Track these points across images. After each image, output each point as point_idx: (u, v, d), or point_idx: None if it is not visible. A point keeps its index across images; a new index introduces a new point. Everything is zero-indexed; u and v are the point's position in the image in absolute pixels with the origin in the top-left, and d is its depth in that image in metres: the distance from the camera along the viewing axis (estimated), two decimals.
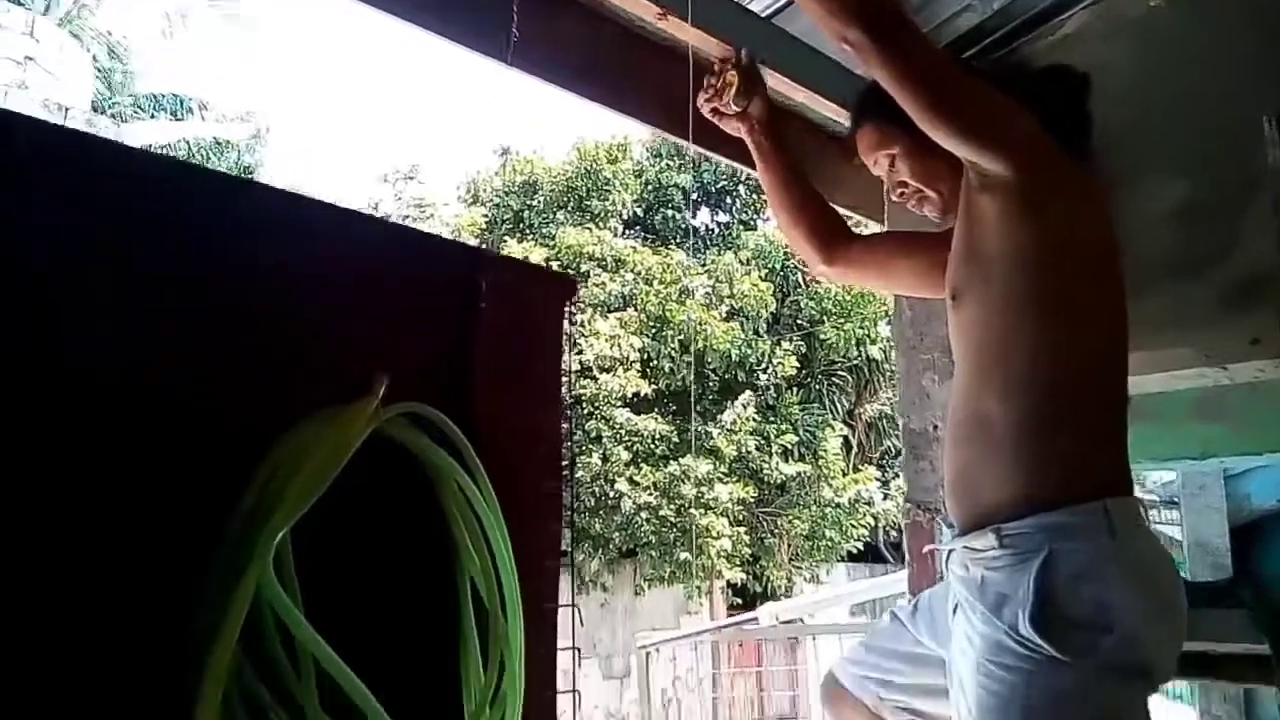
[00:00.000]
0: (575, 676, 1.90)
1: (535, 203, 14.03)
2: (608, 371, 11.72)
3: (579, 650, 1.85)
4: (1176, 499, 3.69)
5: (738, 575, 12.64)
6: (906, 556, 2.33)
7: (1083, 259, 1.54)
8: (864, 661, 1.85)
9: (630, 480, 11.53)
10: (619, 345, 11.80)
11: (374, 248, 1.40)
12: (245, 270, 1.22)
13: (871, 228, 2.54)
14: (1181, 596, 1.47)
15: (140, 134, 12.86)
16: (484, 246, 8.53)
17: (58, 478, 1.02)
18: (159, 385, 1.12)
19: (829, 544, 12.84)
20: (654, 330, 12.28)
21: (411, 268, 1.43)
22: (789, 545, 13.12)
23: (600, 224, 13.24)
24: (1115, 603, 1.36)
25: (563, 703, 1.60)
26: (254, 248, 1.24)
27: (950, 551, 1.57)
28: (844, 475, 12.97)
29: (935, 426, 2.29)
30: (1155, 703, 1.43)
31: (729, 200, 15.42)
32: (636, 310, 12.28)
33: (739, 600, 12.88)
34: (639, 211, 14.34)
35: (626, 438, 11.70)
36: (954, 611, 1.59)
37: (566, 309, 1.61)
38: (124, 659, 1.06)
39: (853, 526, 12.87)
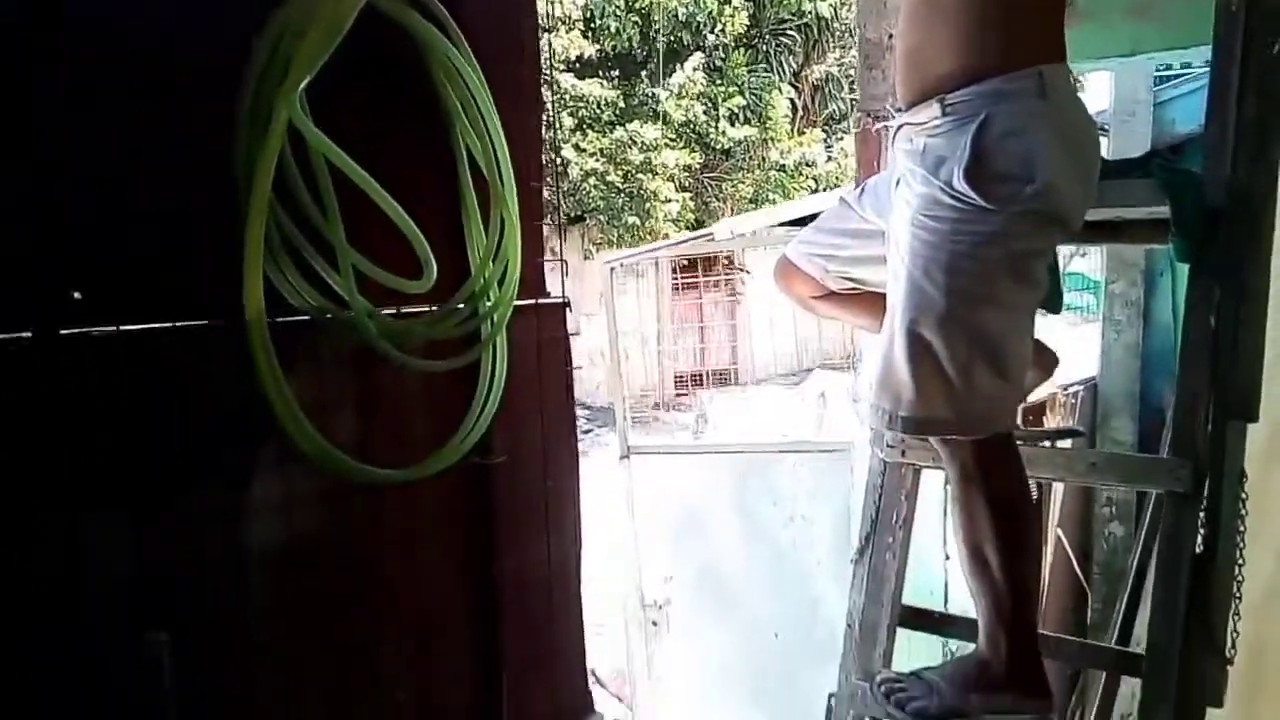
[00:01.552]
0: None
1: None
2: (548, 32, 11.25)
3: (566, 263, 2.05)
4: (1107, 125, 3.92)
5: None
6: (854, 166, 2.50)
7: None
8: (813, 241, 2.07)
9: (576, 147, 11.47)
10: (559, 3, 11.24)
11: None
12: None
13: None
14: (1097, 156, 1.67)
15: None
16: None
17: None
18: None
19: (772, 206, 13.16)
20: None
21: None
22: (733, 209, 13.42)
23: None
24: (1039, 156, 1.55)
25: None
26: None
27: (898, 129, 1.73)
28: (789, 138, 13.02)
29: (889, 36, 2.37)
30: (1065, 324, 1.66)
31: None
32: None
33: (685, 262, 13.32)
34: None
35: (571, 103, 11.50)
36: (896, 185, 1.78)
37: None
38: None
39: (796, 190, 13.14)
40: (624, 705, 3.78)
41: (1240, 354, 1.74)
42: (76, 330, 1.16)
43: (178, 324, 1.25)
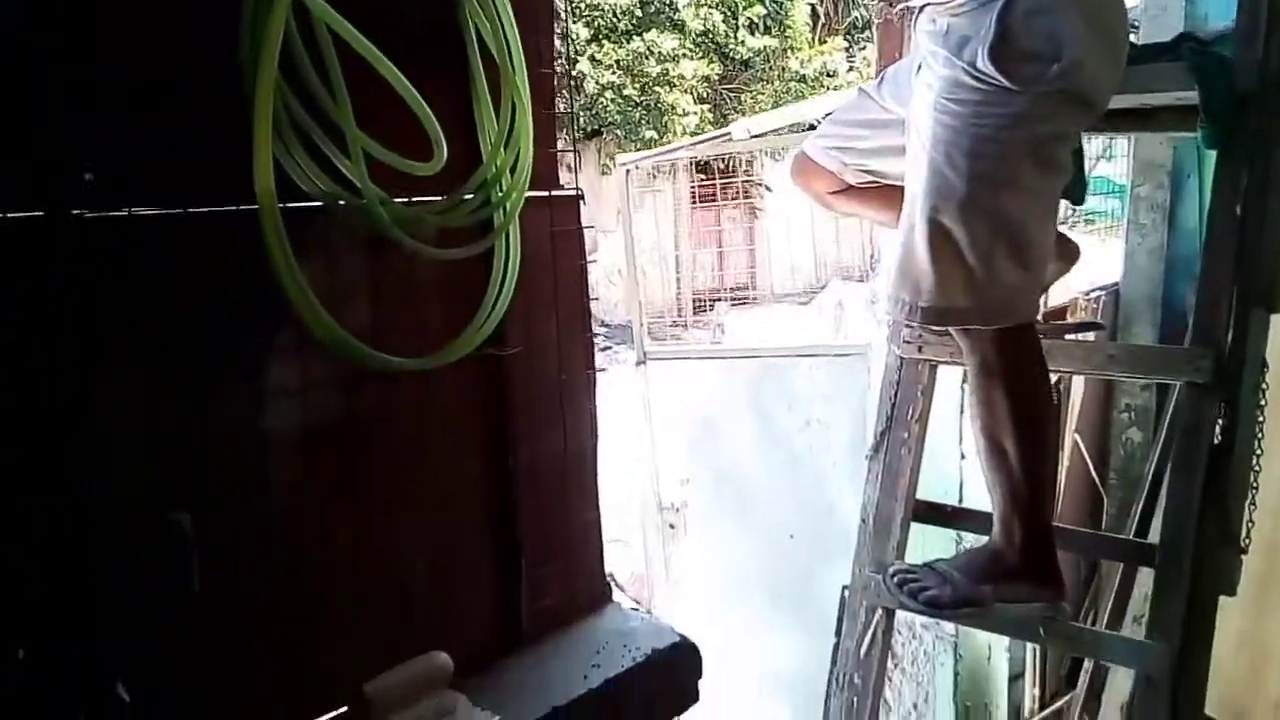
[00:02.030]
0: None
1: None
2: None
3: (579, 153, 2.02)
4: (1137, 22, 3.79)
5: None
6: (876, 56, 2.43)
7: None
8: (830, 134, 2.03)
9: (592, 59, 11.26)
10: None
11: None
12: None
13: None
14: (1125, 35, 1.62)
15: None
16: None
17: None
18: None
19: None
20: None
21: None
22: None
23: None
24: (1065, 34, 1.50)
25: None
26: None
27: (920, 10, 1.68)
28: (810, 48, 12.72)
29: None
30: (1085, 234, 1.61)
31: None
32: None
33: (703, 179, 13.18)
34: None
35: (587, 12, 11.24)
36: (917, 70, 1.73)
37: None
38: None
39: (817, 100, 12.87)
40: (642, 608, 3.86)
41: (1265, 242, 1.71)
42: (88, 212, 1.15)
43: (189, 210, 1.24)
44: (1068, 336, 1.91)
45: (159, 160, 1.21)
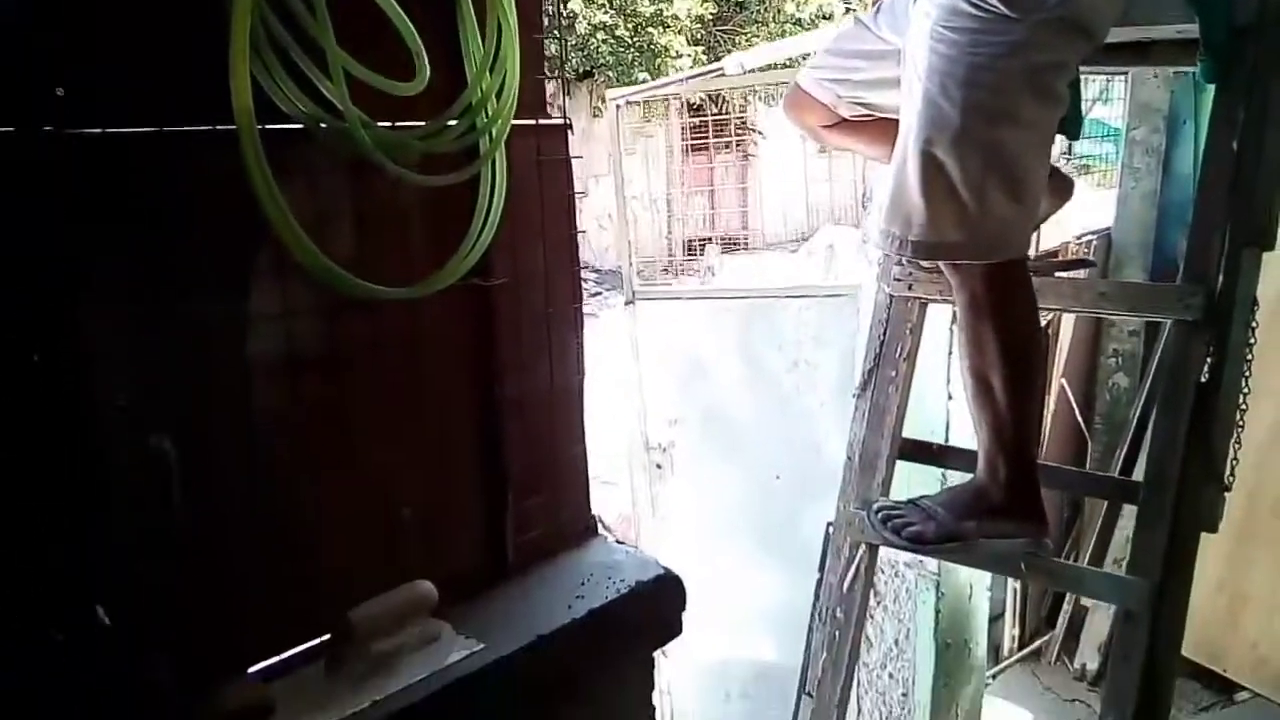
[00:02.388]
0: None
1: None
2: None
3: (568, 80, 1.97)
4: None
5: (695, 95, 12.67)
6: None
7: None
8: (824, 65, 1.99)
9: None
10: None
11: None
12: None
13: None
14: None
15: None
16: None
17: None
18: None
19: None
20: None
21: None
22: None
23: None
24: None
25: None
26: None
27: None
28: None
29: None
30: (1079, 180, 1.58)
31: None
32: None
33: (695, 120, 13.03)
34: None
35: None
36: (915, 0, 1.70)
37: None
38: None
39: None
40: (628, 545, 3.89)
41: (1261, 178, 1.69)
42: (60, 129, 1.12)
43: (165, 128, 1.21)
44: (1059, 274, 1.89)
45: (134, 77, 1.17)
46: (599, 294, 11.82)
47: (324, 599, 1.45)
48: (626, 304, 3.28)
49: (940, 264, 1.77)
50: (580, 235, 1.81)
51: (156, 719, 1.19)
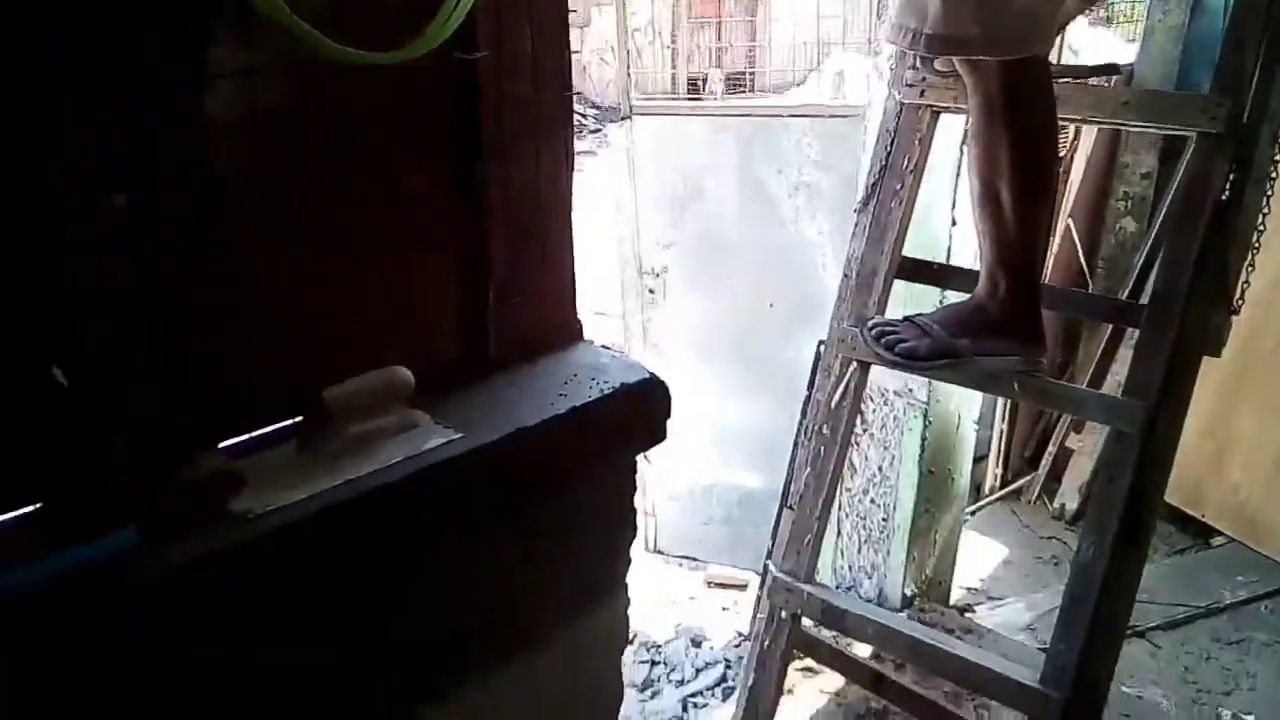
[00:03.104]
0: None
1: None
2: None
3: None
4: None
5: None
6: None
7: None
8: None
9: None
10: None
11: None
12: None
13: None
14: None
15: None
16: None
17: None
18: None
19: None
20: None
21: None
22: None
23: None
24: None
25: None
26: None
27: None
28: None
29: None
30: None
31: None
32: None
33: None
34: None
35: None
36: None
37: None
38: None
39: None
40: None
41: None
42: None
43: None
44: (1080, 80, 1.78)
45: None
46: (599, 130, 11.49)
47: (296, 380, 1.40)
48: (622, 119, 3.13)
49: (955, 62, 1.66)
50: (580, 65, 1.68)
51: (116, 483, 1.16)
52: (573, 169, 1.73)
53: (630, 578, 1.99)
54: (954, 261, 2.51)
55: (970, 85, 1.63)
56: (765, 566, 2.39)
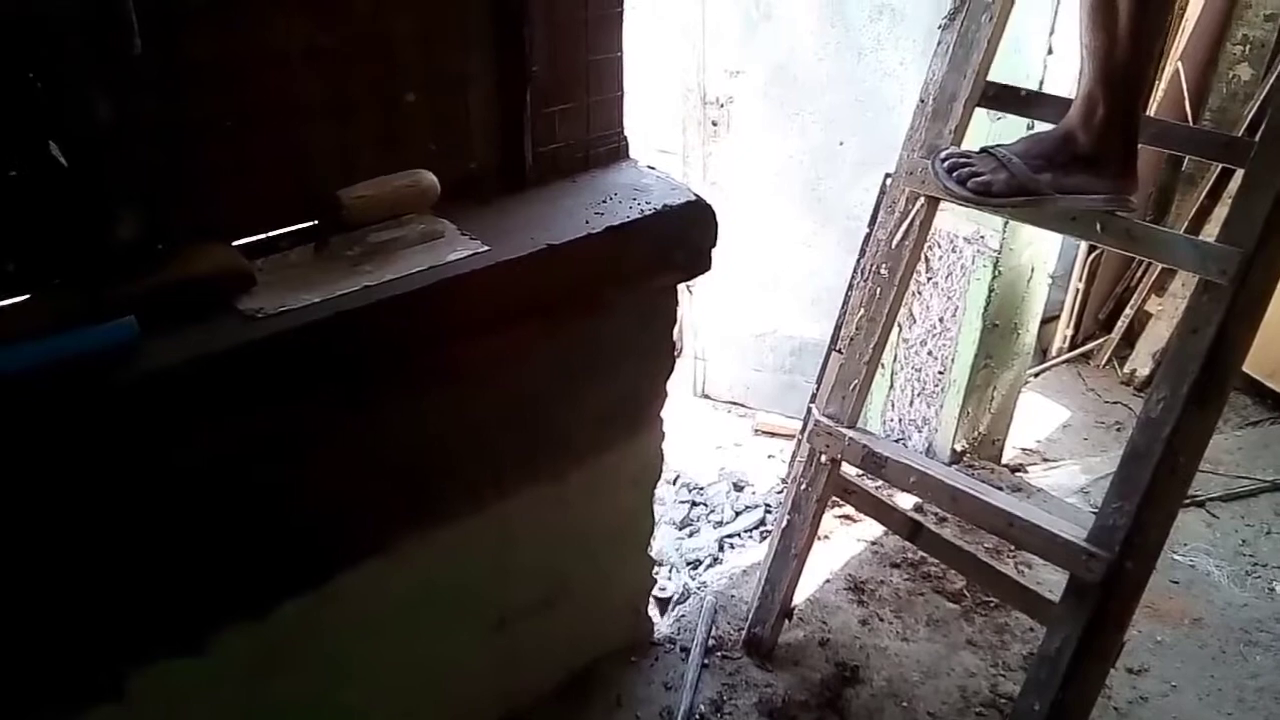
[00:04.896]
0: None
1: None
2: None
3: None
4: None
5: None
6: None
7: None
8: None
9: None
10: None
11: None
12: None
13: None
14: None
15: None
16: None
17: None
18: None
19: None
20: None
21: None
22: None
23: None
24: None
25: None
26: None
27: None
28: None
29: None
30: None
31: None
32: None
33: None
34: None
35: None
36: None
37: None
38: None
39: None
40: None
41: None
42: None
43: None
44: None
45: None
46: None
47: (314, 180, 1.32)
48: None
49: None
50: None
51: (123, 271, 1.11)
52: None
53: (669, 415, 1.94)
54: (1047, 92, 2.29)
55: None
56: (808, 409, 2.31)
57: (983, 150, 1.70)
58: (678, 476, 3.25)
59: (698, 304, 3.54)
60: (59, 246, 1.11)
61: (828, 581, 2.33)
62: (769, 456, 3.44)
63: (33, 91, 1.04)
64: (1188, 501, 2.62)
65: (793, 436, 3.18)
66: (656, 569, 2.20)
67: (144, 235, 1.14)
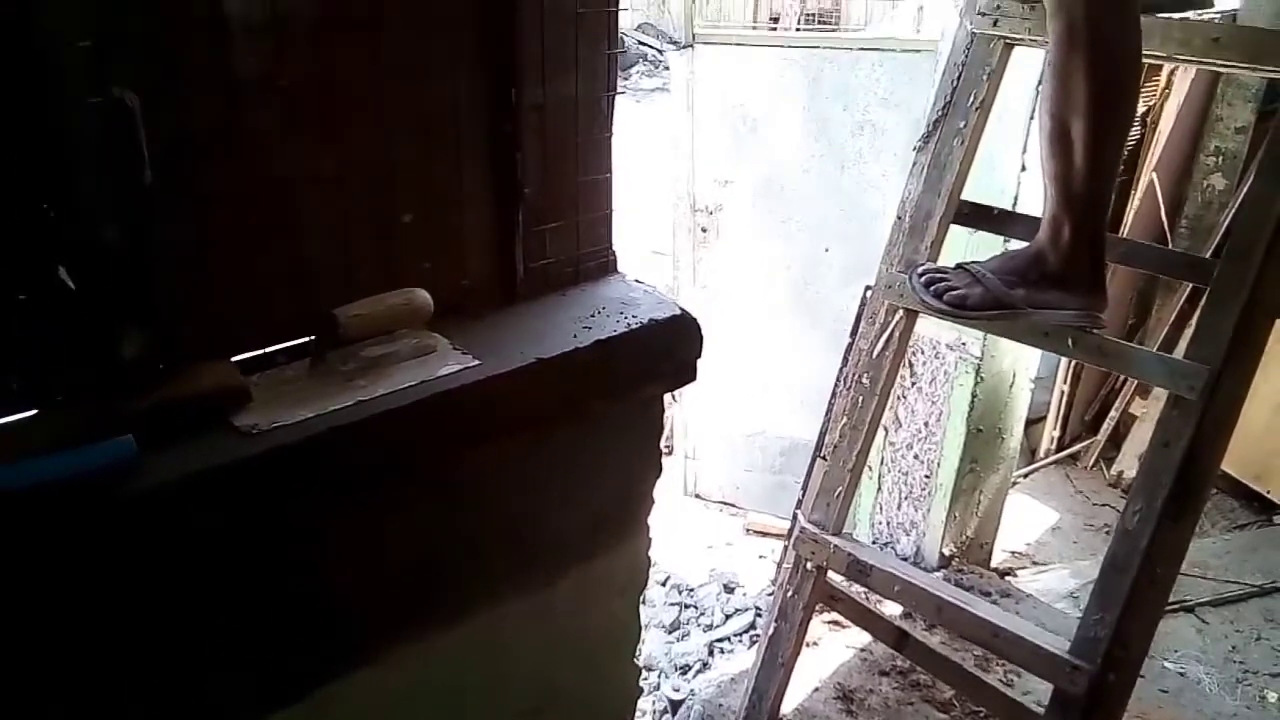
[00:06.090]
0: None
1: None
2: None
3: None
4: None
5: None
6: None
7: None
8: None
9: None
10: None
11: None
12: None
13: None
14: None
15: None
16: None
17: None
18: None
19: None
20: None
21: None
22: None
23: None
24: None
25: None
26: None
27: None
28: None
29: None
30: None
31: None
32: None
33: None
34: None
35: None
36: None
37: None
38: None
39: None
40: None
41: None
42: None
43: None
44: (1169, 15, 1.63)
45: None
46: (659, 62, 11.29)
47: (312, 297, 1.37)
48: (683, 48, 2.99)
49: None
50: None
51: (123, 388, 1.15)
52: (614, 92, 1.65)
53: (657, 519, 1.95)
54: (1021, 208, 2.38)
55: (1051, 8, 1.51)
56: (794, 516, 2.33)
57: (959, 266, 1.76)
58: (668, 578, 3.24)
59: (688, 404, 3.59)
60: (63, 365, 1.14)
61: (817, 690, 2.32)
62: (760, 557, 3.43)
63: (45, 220, 1.09)
64: (1176, 606, 2.63)
65: (784, 537, 3.18)
66: (644, 676, 2.19)
67: (147, 353, 1.18)
